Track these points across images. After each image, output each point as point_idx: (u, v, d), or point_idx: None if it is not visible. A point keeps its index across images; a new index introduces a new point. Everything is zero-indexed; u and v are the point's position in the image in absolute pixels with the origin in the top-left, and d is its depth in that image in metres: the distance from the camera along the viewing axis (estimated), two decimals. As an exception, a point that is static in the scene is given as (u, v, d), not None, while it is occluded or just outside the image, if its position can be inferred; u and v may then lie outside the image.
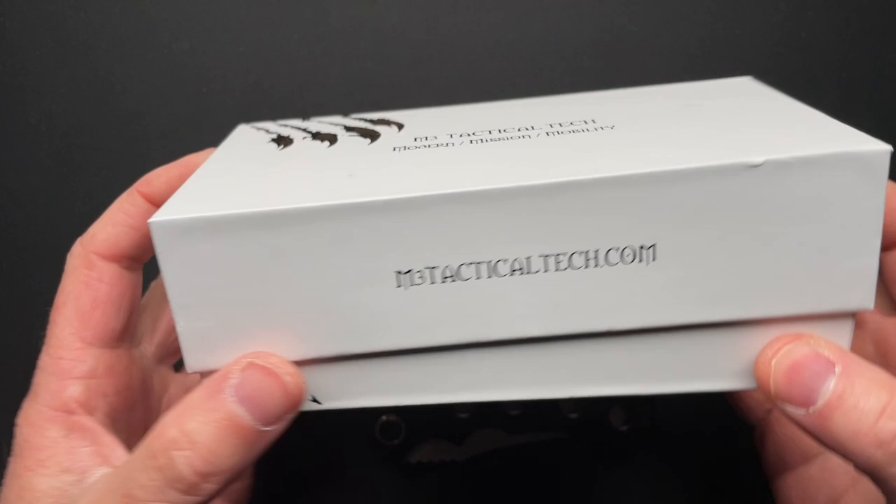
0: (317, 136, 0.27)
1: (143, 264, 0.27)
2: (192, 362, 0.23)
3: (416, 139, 0.26)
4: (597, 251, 0.21)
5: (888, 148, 0.20)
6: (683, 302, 0.21)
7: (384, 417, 0.37)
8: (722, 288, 0.21)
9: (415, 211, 0.20)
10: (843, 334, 0.22)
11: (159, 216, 0.21)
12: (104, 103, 0.38)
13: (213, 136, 0.39)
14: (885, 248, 0.27)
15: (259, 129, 0.29)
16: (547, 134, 0.24)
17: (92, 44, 0.38)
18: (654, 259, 0.21)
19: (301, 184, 0.22)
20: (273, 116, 0.38)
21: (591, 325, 0.22)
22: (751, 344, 0.22)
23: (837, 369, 0.21)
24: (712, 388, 0.23)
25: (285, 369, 0.22)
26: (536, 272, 0.21)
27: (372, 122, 0.29)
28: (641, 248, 0.21)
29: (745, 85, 0.29)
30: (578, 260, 0.21)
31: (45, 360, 0.26)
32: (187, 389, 0.29)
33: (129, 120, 0.38)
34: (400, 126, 0.28)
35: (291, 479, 0.39)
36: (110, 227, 0.27)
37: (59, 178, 0.39)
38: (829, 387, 0.21)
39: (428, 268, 0.21)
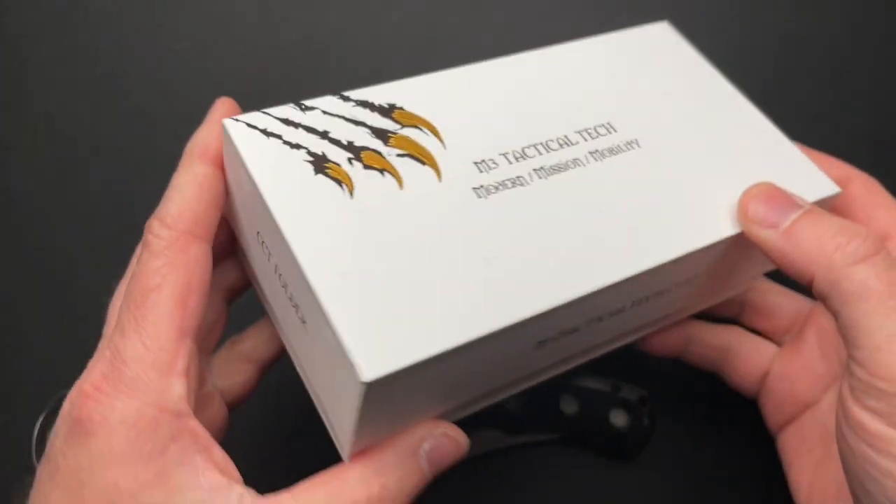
0: (362, 158, 0.25)
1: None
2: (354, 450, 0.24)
3: (479, 169, 0.26)
4: (647, 296, 0.27)
5: (837, 190, 0.28)
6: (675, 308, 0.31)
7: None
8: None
9: (562, 310, 0.23)
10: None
11: (370, 373, 0.20)
12: (105, 103, 0.38)
13: (213, 136, 0.39)
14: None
15: (263, 131, 0.25)
16: (593, 157, 0.27)
17: (92, 44, 0.38)
18: (662, 296, 0.28)
19: (453, 281, 0.22)
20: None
21: (633, 332, 0.32)
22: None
23: (806, 205, 0.26)
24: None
25: (463, 439, 0.26)
26: (617, 315, 0.27)
27: (388, 114, 0.26)
28: (688, 279, 0.28)
29: (667, 39, 0.33)
30: (638, 302, 0.27)
31: (138, 349, 0.22)
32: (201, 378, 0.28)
33: (130, 120, 0.38)
34: (434, 130, 0.26)
35: (291, 478, 0.39)
36: (195, 205, 0.24)
37: (59, 178, 0.39)
38: (799, 212, 0.25)
39: (561, 333, 0.25)
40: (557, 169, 0.26)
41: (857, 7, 0.39)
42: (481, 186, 0.25)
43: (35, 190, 0.39)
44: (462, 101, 0.27)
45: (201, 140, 0.26)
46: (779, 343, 0.35)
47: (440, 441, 0.25)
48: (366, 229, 0.23)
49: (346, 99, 0.26)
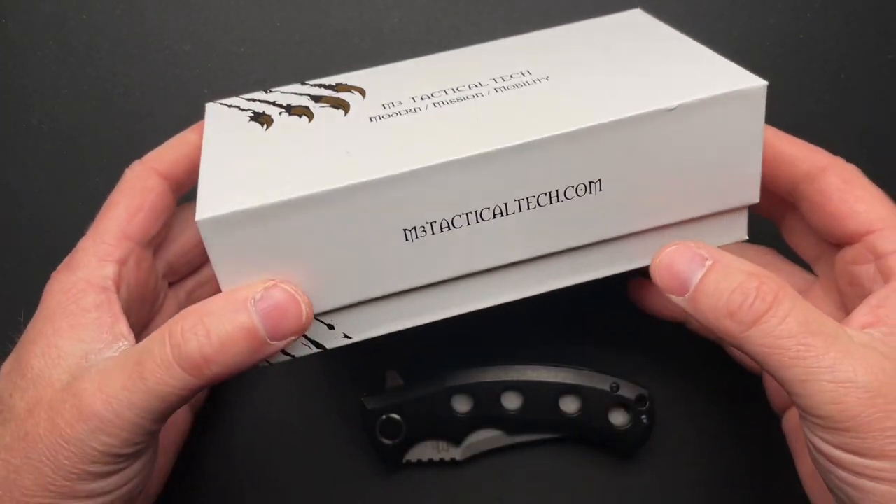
0: (291, 110, 0.31)
1: (181, 194, 0.32)
2: None
3: (384, 106, 0.30)
4: (558, 191, 0.27)
5: (763, 83, 0.27)
6: (622, 218, 0.28)
7: (384, 417, 0.37)
8: (647, 204, 0.28)
9: (414, 181, 0.26)
10: (740, 225, 0.30)
11: (205, 213, 0.25)
12: (105, 104, 0.38)
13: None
14: (837, 244, 0.30)
15: (231, 106, 0.32)
16: (496, 90, 0.29)
17: (93, 45, 0.38)
18: (600, 190, 0.27)
19: (312, 165, 0.27)
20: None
21: (555, 246, 0.28)
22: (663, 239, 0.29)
23: (707, 263, 0.26)
24: (631, 267, 0.30)
25: (303, 297, 0.26)
26: (513, 213, 0.27)
27: (333, 88, 0.32)
28: (591, 182, 0.27)
29: (636, 19, 0.34)
30: (544, 199, 0.27)
31: (88, 243, 0.29)
32: (180, 306, 0.34)
33: (131, 120, 0.38)
34: (362, 91, 0.31)
35: (291, 477, 0.39)
36: (173, 151, 0.31)
37: (60, 178, 0.39)
38: (699, 276, 0.26)
39: (428, 223, 0.27)
40: (456, 100, 0.29)
41: (856, 7, 0.39)
42: (378, 116, 0.29)
43: (35, 190, 0.39)
44: (397, 76, 0.32)
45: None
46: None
47: (271, 292, 0.26)
48: (261, 146, 0.29)
49: (305, 83, 0.33)
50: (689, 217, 0.29)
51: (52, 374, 0.27)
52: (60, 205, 0.39)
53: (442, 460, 0.38)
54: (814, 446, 0.25)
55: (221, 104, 0.32)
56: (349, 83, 0.32)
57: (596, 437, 0.38)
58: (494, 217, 0.27)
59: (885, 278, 0.28)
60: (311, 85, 0.33)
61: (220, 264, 0.26)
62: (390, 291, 0.28)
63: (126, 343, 0.28)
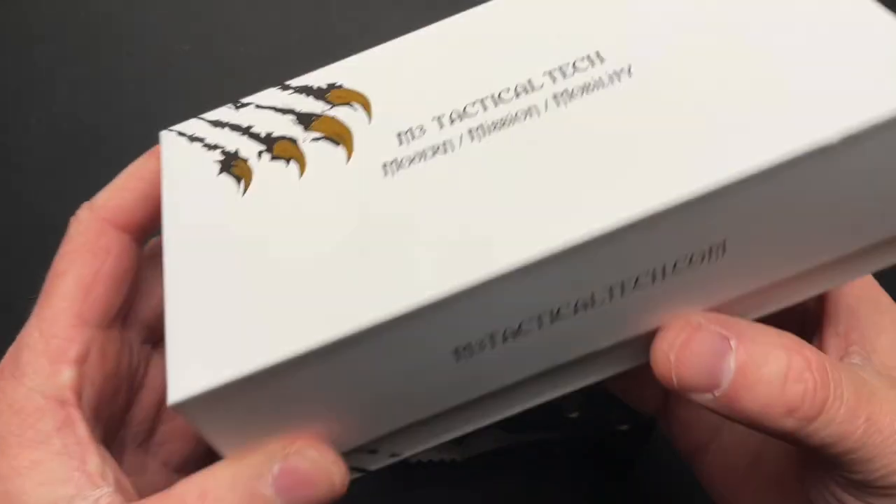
0: (273, 148, 0.22)
1: (148, 237, 0.24)
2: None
3: (400, 138, 0.21)
4: (664, 267, 0.19)
5: None
6: (745, 280, 0.20)
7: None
8: (787, 254, 0.20)
9: (476, 294, 0.18)
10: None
11: (178, 394, 0.18)
12: (105, 104, 0.38)
13: (213, 136, 0.39)
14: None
15: (192, 139, 0.23)
16: (556, 99, 0.20)
17: (93, 45, 0.38)
18: (723, 253, 0.19)
19: (322, 277, 0.19)
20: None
21: (650, 325, 0.20)
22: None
23: (733, 343, 0.20)
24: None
25: (334, 460, 0.20)
26: (600, 304, 0.19)
27: (325, 98, 0.23)
28: (711, 248, 0.19)
29: None
30: (645, 280, 0.19)
31: (35, 337, 0.22)
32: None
33: (130, 120, 0.38)
34: (365, 103, 0.22)
35: None
36: (125, 194, 0.24)
37: (59, 178, 0.39)
38: (731, 365, 0.20)
39: (488, 336, 0.19)
40: (499, 125, 0.20)
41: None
42: (393, 161, 0.20)
43: (35, 190, 0.39)
44: (410, 65, 0.23)
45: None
46: None
47: (293, 464, 0.20)
48: (243, 234, 0.20)
49: (286, 87, 0.24)
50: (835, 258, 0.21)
51: None
52: (60, 205, 0.39)
53: (442, 460, 0.38)
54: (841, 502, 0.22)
55: (180, 135, 0.23)
56: (346, 85, 0.23)
57: (596, 438, 0.38)
58: (576, 313, 0.19)
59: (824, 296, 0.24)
60: (295, 90, 0.24)
61: (217, 440, 0.19)
62: (432, 414, 0.21)
63: (105, 490, 0.21)
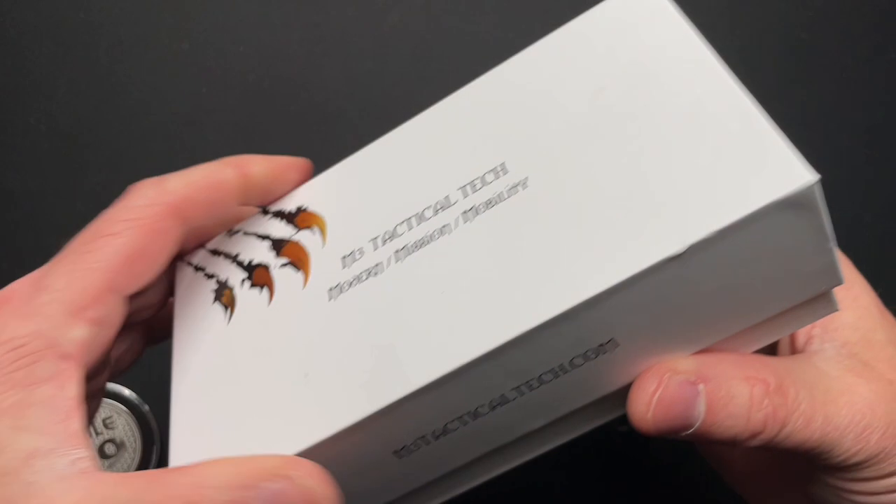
0: (252, 275, 0.25)
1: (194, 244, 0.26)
2: None
3: (343, 261, 0.24)
4: (561, 365, 0.21)
5: (814, 178, 0.18)
6: (644, 363, 0.22)
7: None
8: (684, 336, 0.22)
9: (393, 412, 0.21)
10: (829, 304, 0.23)
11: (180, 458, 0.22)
12: (105, 103, 0.38)
13: (213, 136, 0.39)
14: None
15: (197, 269, 0.26)
16: (465, 217, 0.22)
17: (92, 44, 0.38)
18: (616, 347, 0.21)
19: (271, 404, 0.22)
20: (273, 116, 0.38)
21: (559, 412, 0.23)
22: None
23: (700, 388, 0.22)
24: None
25: (323, 499, 0.20)
26: (513, 400, 0.22)
27: (294, 222, 0.26)
28: (601, 345, 0.21)
29: (640, 13, 0.24)
30: (548, 377, 0.21)
31: (61, 283, 0.22)
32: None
33: (130, 120, 0.38)
34: (322, 226, 0.25)
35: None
36: (196, 191, 0.24)
37: (59, 178, 0.39)
38: (701, 409, 0.22)
39: (419, 437, 0.22)
40: (419, 245, 0.23)
41: (857, 7, 0.39)
42: (336, 286, 0.23)
43: (35, 190, 0.39)
44: (361, 184, 0.25)
45: (245, 159, 0.26)
46: None
47: (285, 487, 0.20)
48: (223, 355, 0.24)
49: (266, 212, 0.26)
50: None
51: None
52: (59, 205, 0.39)
53: (442, 461, 0.38)
54: (831, 487, 0.26)
55: (189, 264, 0.26)
56: (310, 208, 0.26)
57: (597, 438, 0.38)
58: (492, 410, 0.22)
59: None
60: (273, 214, 0.26)
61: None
62: (400, 495, 0.25)
63: (83, 454, 0.20)
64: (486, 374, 0.21)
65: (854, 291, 0.26)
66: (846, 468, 0.24)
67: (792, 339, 0.26)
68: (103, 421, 0.38)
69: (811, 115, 0.39)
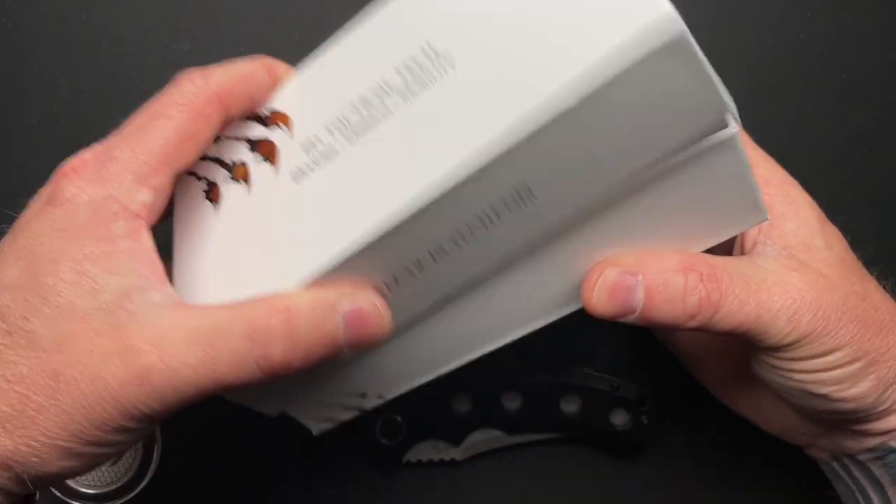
0: (233, 171, 0.29)
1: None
2: None
3: (304, 149, 0.27)
4: (487, 214, 0.24)
5: (669, 8, 0.21)
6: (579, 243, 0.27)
7: (384, 417, 0.37)
8: (595, 186, 0.25)
9: (359, 255, 0.24)
10: (759, 212, 0.27)
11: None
12: (105, 104, 0.38)
13: (213, 136, 0.39)
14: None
15: (189, 173, 0.29)
16: (403, 97, 0.25)
17: (92, 44, 0.38)
18: (533, 197, 0.24)
19: (257, 273, 0.26)
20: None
21: (502, 263, 0.27)
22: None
23: (639, 277, 0.27)
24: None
25: (385, 313, 0.25)
26: (453, 252, 0.25)
27: (266, 121, 0.29)
28: (517, 193, 0.24)
29: None
30: (479, 230, 0.25)
31: (127, 154, 0.25)
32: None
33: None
34: (286, 122, 0.28)
35: (290, 476, 0.39)
36: (238, 80, 0.27)
37: (59, 177, 0.39)
38: (640, 295, 0.27)
39: (392, 278, 0.26)
40: (368, 124, 0.26)
41: (857, 7, 0.39)
42: (299, 171, 0.27)
43: (35, 190, 0.39)
44: (315, 85, 0.29)
45: (274, 62, 0.29)
46: None
47: (360, 303, 0.25)
48: (214, 234, 0.28)
49: (247, 118, 0.29)
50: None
51: (87, 309, 0.23)
52: (60, 205, 0.39)
53: (442, 460, 0.38)
54: (775, 368, 0.29)
55: (186, 173, 0.29)
56: (280, 108, 0.29)
57: (596, 437, 0.38)
58: (435, 260, 0.26)
59: None
60: (252, 119, 0.29)
61: None
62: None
63: (172, 290, 0.25)
64: (423, 224, 0.24)
65: (796, 204, 0.30)
66: (782, 348, 0.28)
67: (741, 245, 0.30)
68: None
69: (811, 116, 0.39)
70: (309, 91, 0.29)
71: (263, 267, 0.26)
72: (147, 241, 0.25)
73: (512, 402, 0.37)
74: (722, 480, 0.39)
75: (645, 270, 0.27)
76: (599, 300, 0.27)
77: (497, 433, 0.38)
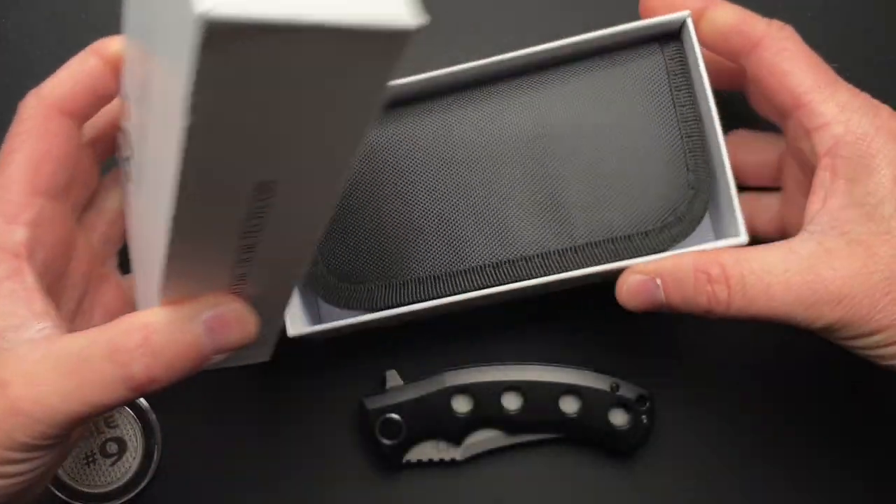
0: (126, 172, 0.28)
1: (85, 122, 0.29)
2: None
3: (136, 142, 0.26)
4: (249, 210, 0.22)
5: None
6: None
7: (384, 417, 0.37)
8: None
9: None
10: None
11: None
12: (104, 103, 0.38)
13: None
14: (741, 55, 0.32)
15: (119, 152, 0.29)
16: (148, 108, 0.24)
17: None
18: (276, 185, 0.21)
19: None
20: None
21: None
22: None
23: (658, 281, 0.30)
24: None
25: (248, 316, 0.25)
26: (260, 243, 0.24)
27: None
28: (261, 184, 0.21)
29: None
30: (254, 228, 0.23)
31: None
32: (119, 288, 0.32)
33: (130, 120, 0.38)
34: (128, 112, 0.27)
35: (291, 477, 0.39)
36: (70, 84, 0.27)
37: (59, 178, 0.39)
38: (661, 295, 0.30)
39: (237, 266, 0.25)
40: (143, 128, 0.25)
41: (856, 7, 0.39)
42: (135, 171, 0.27)
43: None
44: (129, 60, 0.27)
45: (103, 43, 0.29)
46: None
47: (221, 311, 0.25)
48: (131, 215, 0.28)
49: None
50: None
51: None
52: (60, 205, 0.39)
53: (442, 460, 0.38)
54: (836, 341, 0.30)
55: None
56: (125, 90, 0.28)
57: (596, 437, 0.38)
58: (252, 250, 0.24)
59: (814, 158, 0.30)
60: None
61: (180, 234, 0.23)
62: None
63: (48, 324, 0.25)
64: (197, 235, 0.22)
65: (871, 166, 0.29)
66: (817, 331, 0.29)
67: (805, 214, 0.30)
68: (105, 420, 0.38)
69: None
70: (128, 73, 0.27)
71: (151, 280, 0.25)
72: (29, 280, 0.26)
73: (512, 403, 0.37)
74: (722, 480, 0.39)
75: (662, 274, 0.30)
76: (629, 298, 0.31)
77: (497, 433, 0.38)
